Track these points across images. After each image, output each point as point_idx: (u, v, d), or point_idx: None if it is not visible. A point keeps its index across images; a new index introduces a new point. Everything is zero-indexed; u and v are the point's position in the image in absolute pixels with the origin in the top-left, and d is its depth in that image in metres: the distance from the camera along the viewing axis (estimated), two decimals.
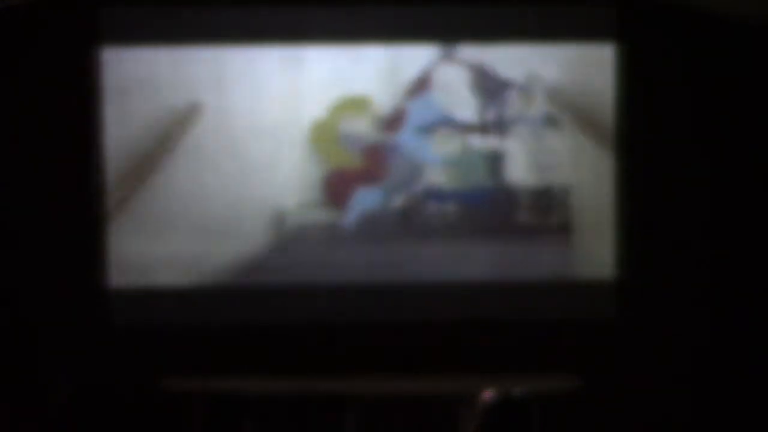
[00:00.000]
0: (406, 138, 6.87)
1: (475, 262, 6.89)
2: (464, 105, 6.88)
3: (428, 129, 6.87)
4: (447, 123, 6.88)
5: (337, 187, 6.86)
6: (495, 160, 6.86)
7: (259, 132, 6.83)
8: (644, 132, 6.89)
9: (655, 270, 6.92)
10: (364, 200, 6.86)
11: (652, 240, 6.93)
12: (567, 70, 6.84)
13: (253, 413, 6.27)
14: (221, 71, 6.80)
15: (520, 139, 6.86)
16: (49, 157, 6.75)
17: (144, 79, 6.79)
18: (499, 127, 6.86)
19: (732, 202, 6.94)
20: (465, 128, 6.87)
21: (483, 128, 6.86)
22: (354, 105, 6.85)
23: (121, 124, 6.77)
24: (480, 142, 6.87)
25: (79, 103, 6.75)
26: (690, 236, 6.95)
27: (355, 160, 6.88)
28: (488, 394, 6.09)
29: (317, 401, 6.39)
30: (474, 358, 6.75)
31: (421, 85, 6.87)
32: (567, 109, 6.85)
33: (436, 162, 6.88)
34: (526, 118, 6.85)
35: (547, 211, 6.86)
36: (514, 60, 6.85)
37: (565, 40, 6.85)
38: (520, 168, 6.86)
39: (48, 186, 6.76)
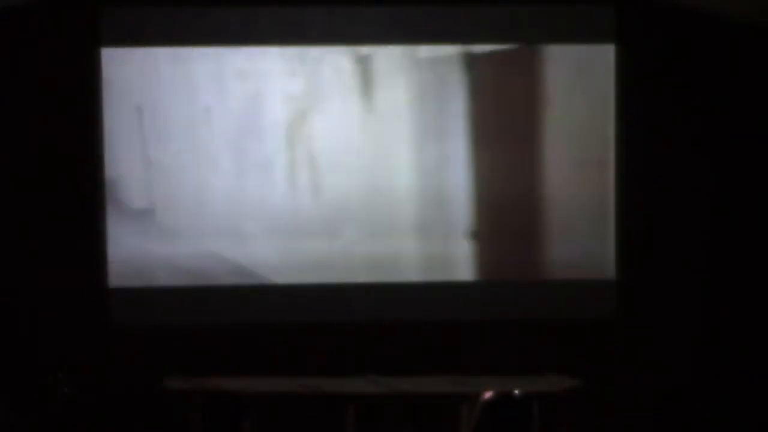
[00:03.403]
0: None
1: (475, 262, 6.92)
2: None
3: None
4: None
5: None
6: None
7: (259, 132, 6.85)
8: (644, 132, 6.89)
9: (655, 270, 6.92)
10: None
11: (651, 240, 6.93)
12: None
13: (252, 413, 6.27)
14: (221, 71, 6.82)
15: None
16: (49, 157, 6.75)
17: (144, 79, 6.79)
18: None
19: (732, 201, 6.94)
20: None
21: None
22: None
23: (121, 124, 6.78)
24: None
25: (79, 103, 6.76)
26: (689, 236, 6.95)
27: None
28: (488, 394, 6.09)
29: (317, 401, 6.39)
30: (474, 358, 6.75)
31: None
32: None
33: None
34: None
35: None
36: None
37: (565, 40, 6.86)
38: None
39: (48, 186, 6.76)
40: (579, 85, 6.87)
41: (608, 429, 6.79)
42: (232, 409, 6.22)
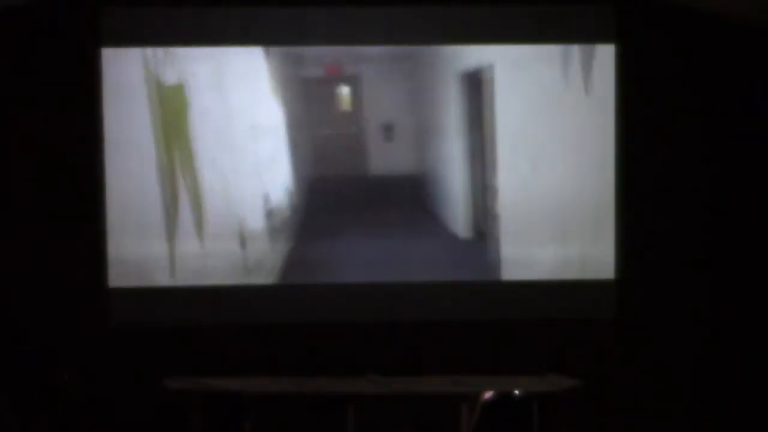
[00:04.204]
0: None
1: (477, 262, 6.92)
2: None
3: None
4: None
5: None
6: None
7: (258, 132, 6.85)
8: (644, 132, 6.89)
9: (655, 270, 6.92)
10: None
11: (651, 240, 6.93)
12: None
13: (252, 413, 6.27)
14: (221, 71, 6.82)
15: None
16: (49, 157, 6.75)
17: (144, 80, 6.79)
18: None
19: (732, 201, 6.94)
20: None
21: None
22: None
23: (122, 124, 6.77)
24: None
25: (79, 103, 6.75)
26: (689, 236, 6.95)
27: None
28: (488, 394, 6.09)
29: (317, 401, 6.39)
30: (474, 358, 6.75)
31: None
32: None
33: None
34: None
35: None
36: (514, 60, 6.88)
37: (565, 40, 6.85)
38: None
39: (48, 186, 6.76)
40: (579, 85, 6.87)
41: (608, 429, 6.79)
42: (232, 409, 6.22)
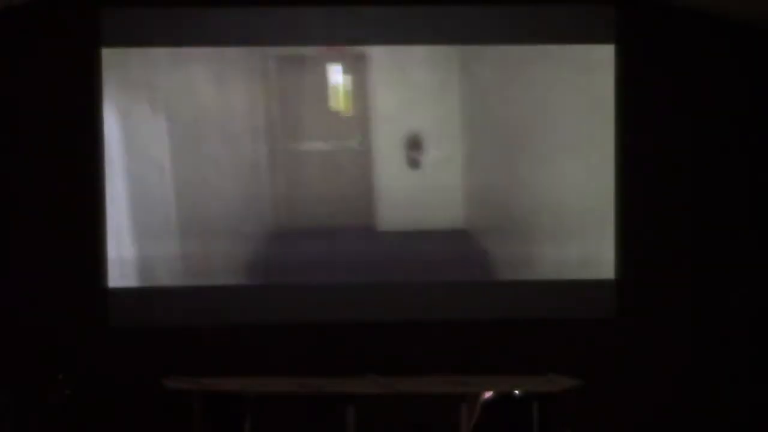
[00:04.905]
0: None
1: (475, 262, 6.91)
2: None
3: None
4: None
5: None
6: None
7: (257, 132, 6.84)
8: (644, 132, 6.89)
9: (654, 270, 6.92)
10: None
11: (651, 240, 6.93)
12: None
13: (252, 413, 6.27)
14: (221, 72, 6.81)
15: None
16: (49, 157, 6.75)
17: (144, 80, 6.79)
18: None
19: (732, 201, 6.94)
20: None
21: None
22: None
23: (121, 125, 6.77)
24: None
25: (79, 103, 6.75)
26: (689, 236, 6.95)
27: None
28: (488, 394, 6.09)
29: (317, 401, 6.39)
30: (474, 358, 6.74)
31: None
32: None
33: None
34: None
35: None
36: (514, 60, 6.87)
37: (565, 40, 6.85)
38: None
39: (48, 186, 6.76)
40: (579, 85, 6.87)
41: (608, 429, 6.79)
42: (232, 409, 6.22)
